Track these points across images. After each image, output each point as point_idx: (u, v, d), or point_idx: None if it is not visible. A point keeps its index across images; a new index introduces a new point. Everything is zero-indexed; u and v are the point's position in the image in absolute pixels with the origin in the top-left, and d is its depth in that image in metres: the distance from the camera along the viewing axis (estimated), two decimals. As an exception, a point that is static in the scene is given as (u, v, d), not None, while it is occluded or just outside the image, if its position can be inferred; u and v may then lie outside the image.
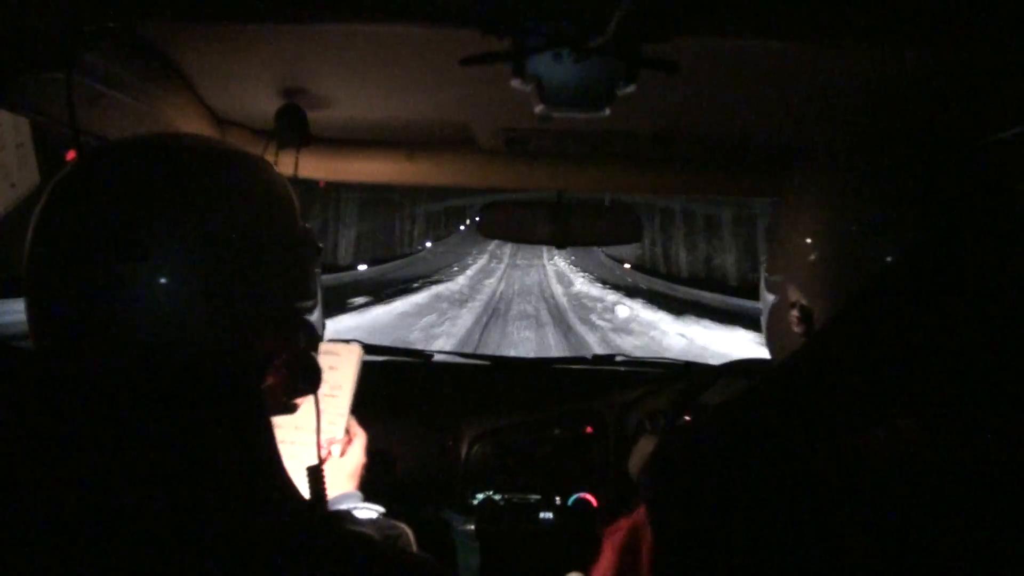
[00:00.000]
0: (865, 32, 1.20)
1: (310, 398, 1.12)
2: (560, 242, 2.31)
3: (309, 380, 1.05)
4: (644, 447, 2.05)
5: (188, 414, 0.84)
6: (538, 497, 2.37)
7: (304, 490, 1.16)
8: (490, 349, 13.15)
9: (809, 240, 1.05)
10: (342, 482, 1.59)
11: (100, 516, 0.76)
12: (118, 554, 0.75)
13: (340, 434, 1.65)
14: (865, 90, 1.48)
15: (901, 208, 0.97)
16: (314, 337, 1.05)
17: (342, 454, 1.64)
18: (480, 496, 2.36)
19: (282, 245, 0.94)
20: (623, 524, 1.32)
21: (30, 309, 0.87)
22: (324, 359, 1.71)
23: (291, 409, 1.07)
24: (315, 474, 1.23)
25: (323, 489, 1.24)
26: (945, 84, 1.42)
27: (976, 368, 0.89)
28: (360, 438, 1.69)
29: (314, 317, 1.05)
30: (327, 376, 1.67)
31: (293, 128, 1.67)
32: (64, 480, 0.78)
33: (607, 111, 1.20)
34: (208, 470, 0.82)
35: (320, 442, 1.22)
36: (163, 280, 0.83)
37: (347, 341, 1.82)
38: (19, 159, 1.62)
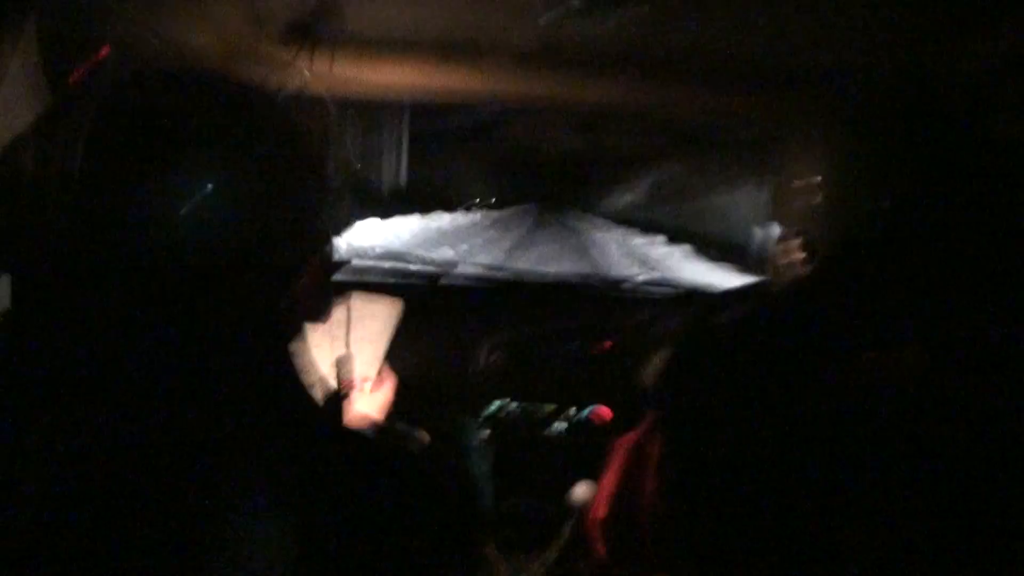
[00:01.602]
0: None
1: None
2: (589, 156, 2.30)
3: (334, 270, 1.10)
4: (657, 361, 2.08)
5: (218, 308, 0.87)
6: (553, 407, 2.41)
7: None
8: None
9: (815, 174, 1.05)
10: (370, 413, 1.70)
11: (126, 406, 0.80)
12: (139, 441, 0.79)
13: (372, 374, 1.78)
14: (905, 13, 1.46)
15: (908, 144, 0.98)
16: (331, 257, 1.09)
17: (373, 390, 1.77)
18: (495, 405, 2.39)
19: (315, 164, 0.99)
20: (633, 436, 1.36)
21: (77, 212, 0.89)
22: (367, 307, 1.84)
23: (323, 315, 1.10)
24: (343, 363, 1.27)
25: (352, 375, 1.29)
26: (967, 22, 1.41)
27: (983, 299, 0.91)
28: (390, 381, 1.81)
29: (341, 231, 1.08)
30: (367, 324, 1.82)
31: (331, 25, 1.68)
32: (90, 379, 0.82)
33: (646, 8, 1.19)
34: (237, 360, 0.87)
35: (350, 340, 1.26)
36: (203, 178, 0.86)
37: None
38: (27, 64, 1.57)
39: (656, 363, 2.14)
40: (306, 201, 0.97)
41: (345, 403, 1.31)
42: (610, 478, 1.28)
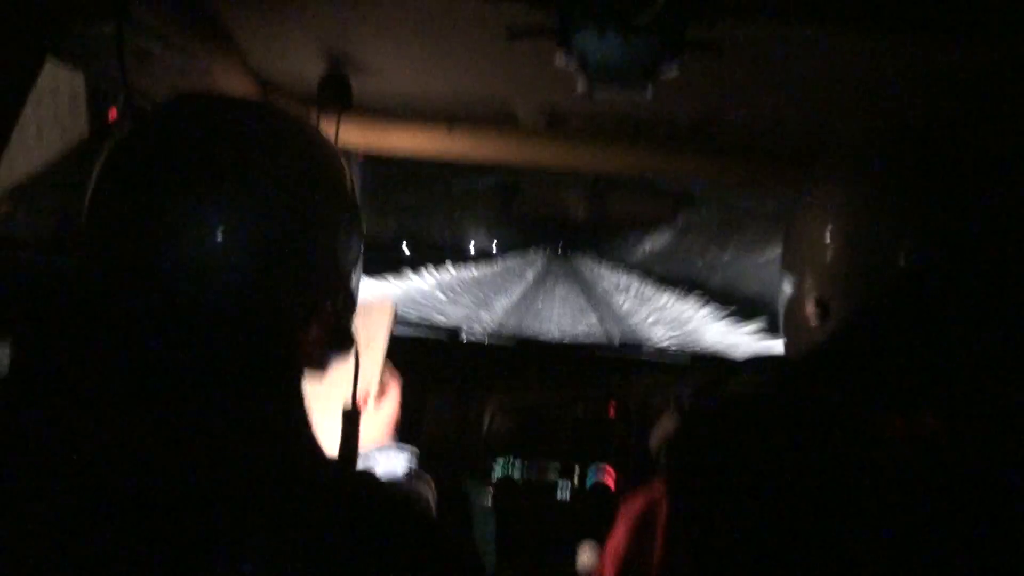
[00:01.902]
0: (916, 25, 1.18)
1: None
2: (595, 221, 2.32)
3: (342, 342, 1.07)
4: (666, 424, 2.06)
5: (225, 361, 0.85)
6: (556, 475, 2.38)
7: (337, 436, 1.17)
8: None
9: (829, 235, 1.04)
10: (377, 432, 1.62)
11: (128, 459, 0.78)
12: (139, 498, 0.77)
13: (374, 387, 1.67)
14: (914, 85, 1.46)
15: (924, 206, 0.97)
16: (351, 303, 1.06)
17: (377, 406, 1.67)
18: (498, 471, 2.37)
19: (329, 209, 0.95)
20: (638, 497, 1.34)
21: (88, 247, 0.88)
22: (358, 314, 1.78)
23: (323, 369, 1.08)
24: (351, 418, 1.24)
25: (357, 434, 1.25)
26: (982, 84, 1.40)
27: (1001, 369, 0.89)
28: (394, 388, 1.72)
29: (353, 282, 1.06)
30: (361, 333, 1.73)
31: (336, 95, 1.68)
32: (96, 419, 0.80)
33: (649, 92, 1.20)
34: (237, 418, 0.84)
35: (356, 394, 1.23)
36: (225, 220, 0.84)
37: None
38: (72, 110, 1.64)
39: (665, 428, 2.13)
40: (335, 236, 0.96)
41: (357, 421, 1.26)
42: (619, 540, 1.25)
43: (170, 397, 0.83)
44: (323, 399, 1.30)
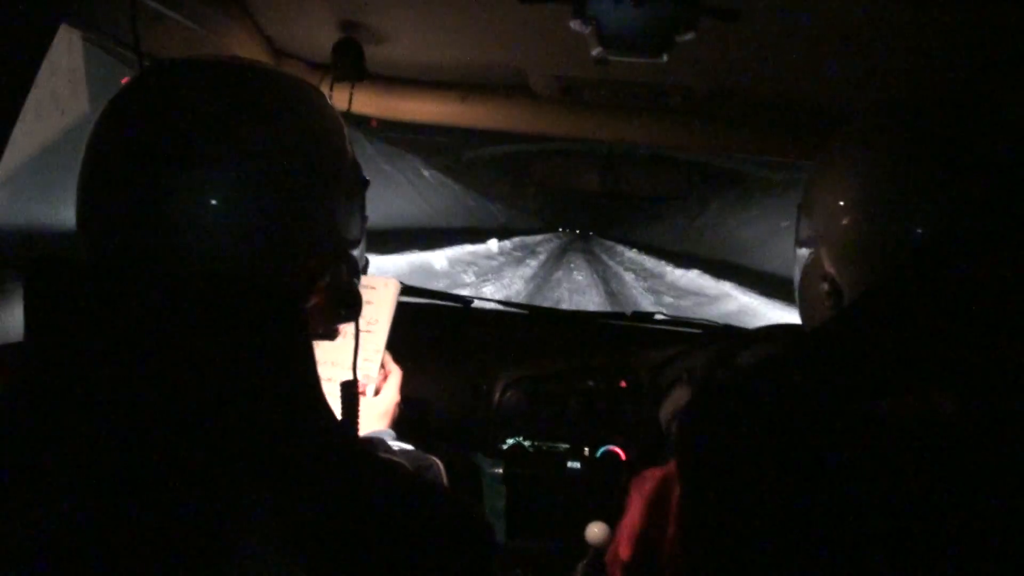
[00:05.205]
0: None
1: (347, 332, 1.13)
2: (609, 193, 2.31)
3: (350, 307, 1.06)
4: (677, 398, 2.06)
5: (230, 327, 0.84)
6: (567, 446, 2.38)
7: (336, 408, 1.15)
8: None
9: (841, 206, 1.03)
10: (374, 421, 1.57)
11: (140, 424, 0.78)
12: (151, 463, 0.77)
13: (375, 371, 1.64)
14: (932, 52, 1.44)
15: (935, 182, 0.96)
16: (354, 269, 1.06)
17: (376, 392, 1.64)
18: (510, 441, 2.38)
19: (330, 172, 0.95)
20: (650, 475, 1.34)
21: (82, 217, 0.88)
22: (361, 293, 1.74)
23: (331, 336, 1.08)
24: (349, 390, 1.23)
25: (357, 406, 1.24)
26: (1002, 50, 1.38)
27: (1015, 346, 0.88)
28: (395, 375, 1.67)
29: (356, 252, 1.06)
30: (364, 311, 1.69)
31: (349, 62, 1.68)
32: (110, 388, 0.80)
33: (664, 58, 1.19)
34: (247, 386, 0.83)
35: (356, 364, 1.22)
36: (213, 189, 0.83)
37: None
38: (71, 85, 1.62)
39: (676, 401, 2.13)
40: (334, 204, 0.95)
41: (356, 394, 1.25)
42: (633, 518, 1.26)
43: (172, 361, 0.81)
44: (324, 380, 1.30)
